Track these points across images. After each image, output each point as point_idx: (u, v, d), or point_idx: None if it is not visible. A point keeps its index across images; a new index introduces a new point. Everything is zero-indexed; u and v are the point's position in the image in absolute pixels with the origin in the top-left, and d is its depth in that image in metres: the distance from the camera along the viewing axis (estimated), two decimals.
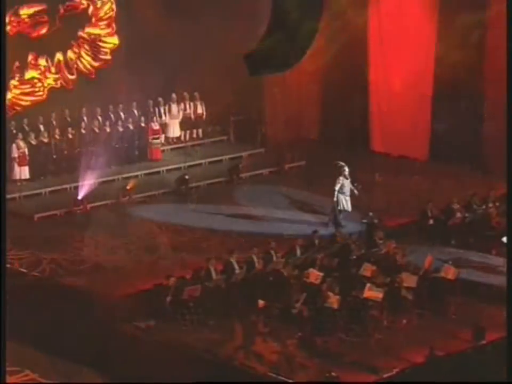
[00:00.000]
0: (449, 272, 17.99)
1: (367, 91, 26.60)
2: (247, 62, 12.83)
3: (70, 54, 25.11)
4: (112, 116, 24.79)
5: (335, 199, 20.91)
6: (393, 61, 26.27)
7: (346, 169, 21.15)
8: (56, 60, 24.87)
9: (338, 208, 20.93)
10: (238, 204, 22.63)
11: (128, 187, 22.63)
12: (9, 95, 24.13)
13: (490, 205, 20.87)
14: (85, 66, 25.35)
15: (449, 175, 24.24)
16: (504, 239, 19.31)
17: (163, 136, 25.64)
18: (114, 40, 25.73)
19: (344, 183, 21.02)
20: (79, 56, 25.26)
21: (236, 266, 17.95)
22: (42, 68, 24.70)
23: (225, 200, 22.77)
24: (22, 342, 17.83)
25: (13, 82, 24.28)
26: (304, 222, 21.09)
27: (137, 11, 25.03)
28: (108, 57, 25.67)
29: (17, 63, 24.20)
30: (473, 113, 25.14)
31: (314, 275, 17.64)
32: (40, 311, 18.10)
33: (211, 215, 21.78)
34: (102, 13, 25.46)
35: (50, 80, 24.81)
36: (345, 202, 20.97)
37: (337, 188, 20.95)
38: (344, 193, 20.98)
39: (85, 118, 24.40)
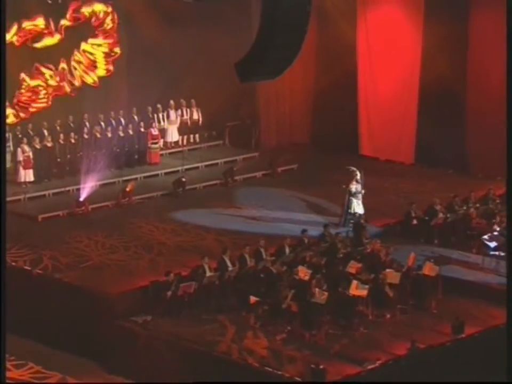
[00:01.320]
0: (431, 270, 18.04)
1: (356, 98, 26.66)
2: (238, 69, 12.82)
3: (73, 63, 25.14)
4: (113, 121, 24.79)
5: (349, 203, 20.68)
6: (380, 70, 26.34)
7: (358, 173, 20.92)
8: (60, 69, 24.91)
9: (349, 211, 20.67)
10: (232, 204, 22.68)
11: (127, 189, 22.63)
12: (15, 102, 24.24)
13: (471, 206, 20.91)
14: (87, 74, 25.40)
15: (433, 178, 24.32)
16: (484, 238, 19.39)
17: (162, 140, 25.65)
18: (116, 50, 25.79)
19: (358, 188, 20.79)
20: (82, 65, 25.32)
21: (229, 263, 18.00)
22: (47, 77, 24.76)
23: (220, 201, 22.82)
24: (26, 336, 17.92)
25: (19, 90, 24.33)
26: (297, 222, 21.03)
27: (138, 23, 25.12)
28: (110, 66, 25.72)
29: (23, 72, 24.29)
30: (456, 119, 25.21)
31: (303, 272, 17.68)
32: (43, 307, 18.18)
33: (206, 215, 21.83)
34: (104, 25, 25.50)
35: (54, 88, 24.87)
36: (357, 206, 20.70)
37: (352, 191, 20.69)
38: (356, 196, 20.73)
39: (87, 124, 24.41)
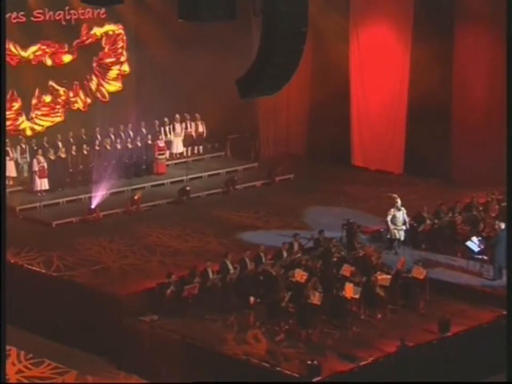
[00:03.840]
0: (419, 272, 17.97)
1: (348, 112, 26.61)
2: (239, 86, 12.83)
3: (85, 80, 25.19)
4: (122, 134, 24.80)
5: (389, 229, 19.74)
6: (371, 86, 26.33)
7: (399, 201, 19.87)
8: (73, 85, 24.94)
9: (388, 237, 19.80)
10: (233, 211, 22.65)
11: (136, 197, 22.62)
12: (31, 116, 24.25)
13: (456, 213, 20.84)
14: (99, 90, 25.43)
15: (420, 187, 24.27)
16: (468, 243, 19.33)
17: (168, 152, 25.64)
18: (125, 67, 25.84)
19: (396, 214, 19.74)
20: (93, 82, 25.34)
21: (231, 267, 17.94)
22: (61, 93, 24.78)
23: (222, 208, 22.80)
24: (42, 335, 17.88)
25: (35, 104, 24.35)
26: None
27: (146, 43, 25.17)
28: (119, 82, 25.76)
29: (38, 89, 24.32)
30: (442, 132, 25.18)
31: (300, 275, 17.62)
32: (57, 307, 18.12)
33: (210, 222, 21.80)
34: (114, 44, 25.56)
35: (68, 104, 24.88)
36: (397, 232, 19.71)
37: (388, 218, 19.71)
38: (396, 224, 19.70)
39: (99, 136, 24.40)
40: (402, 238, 19.77)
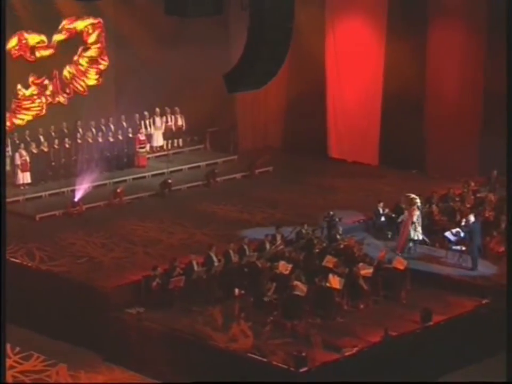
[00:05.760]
0: (400, 263, 17.87)
1: (324, 105, 26.46)
2: (226, 80, 12.59)
3: (65, 74, 24.77)
4: (103, 128, 24.44)
5: (410, 229, 19.11)
6: (347, 80, 26.20)
7: (418, 201, 19.43)
8: (53, 79, 24.52)
9: (409, 237, 19.18)
10: (215, 204, 22.38)
11: (118, 190, 22.31)
12: (11, 110, 23.78)
13: (433, 204, 20.72)
14: (79, 84, 25.02)
15: (396, 178, 24.14)
16: (446, 234, 19.23)
17: (148, 145, 25.32)
18: (105, 62, 25.44)
19: (417, 214, 19.22)
20: (74, 76, 24.93)
21: (215, 259, 17.71)
22: (42, 87, 24.34)
23: (204, 200, 22.52)
24: (27, 328, 17.54)
25: (16, 98, 23.90)
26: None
27: (126, 37, 24.79)
28: (99, 76, 25.36)
29: (19, 83, 23.86)
30: (415, 125, 25.10)
31: (284, 266, 17.43)
32: (43, 301, 17.80)
33: (193, 214, 21.51)
34: (94, 39, 25.14)
35: (48, 97, 24.46)
36: (416, 232, 19.18)
37: (415, 219, 19.06)
38: (415, 223, 19.21)
39: (80, 130, 24.03)
40: (420, 238, 19.28)
